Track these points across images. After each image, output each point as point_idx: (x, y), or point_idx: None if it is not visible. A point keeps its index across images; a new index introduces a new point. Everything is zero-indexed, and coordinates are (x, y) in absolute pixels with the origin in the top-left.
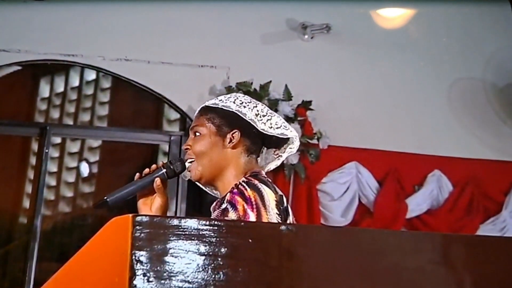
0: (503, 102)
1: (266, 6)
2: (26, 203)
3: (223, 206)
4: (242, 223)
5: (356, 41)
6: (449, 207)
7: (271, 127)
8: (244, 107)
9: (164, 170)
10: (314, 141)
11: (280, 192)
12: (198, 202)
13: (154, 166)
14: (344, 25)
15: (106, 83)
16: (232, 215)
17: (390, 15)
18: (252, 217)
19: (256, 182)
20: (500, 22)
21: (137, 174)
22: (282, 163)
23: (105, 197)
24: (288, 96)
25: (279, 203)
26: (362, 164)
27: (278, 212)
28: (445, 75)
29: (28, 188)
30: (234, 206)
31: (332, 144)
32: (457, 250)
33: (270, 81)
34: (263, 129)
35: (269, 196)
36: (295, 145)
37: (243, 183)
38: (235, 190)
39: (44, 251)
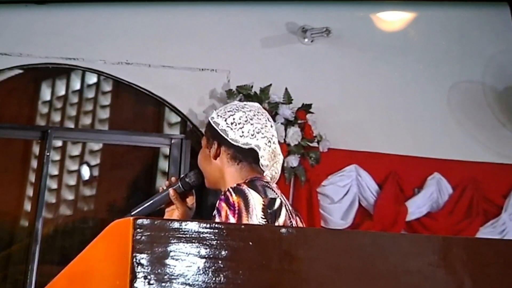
0: (502, 105)
1: (266, 10)
2: (28, 206)
3: (214, 212)
4: (243, 226)
5: (356, 44)
6: (449, 209)
7: (241, 136)
8: (221, 116)
9: (180, 183)
10: (314, 144)
11: (272, 196)
12: (199, 205)
13: (173, 178)
14: (344, 28)
15: (107, 87)
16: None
17: (390, 19)
18: (232, 222)
19: (244, 187)
20: (499, 26)
21: (161, 187)
22: (283, 166)
23: (130, 212)
24: (288, 99)
25: (266, 206)
26: (362, 167)
27: (263, 216)
28: (445, 78)
29: (29, 191)
30: (219, 212)
31: (332, 147)
32: (457, 253)
33: (270, 85)
34: (232, 139)
35: (255, 201)
36: (262, 158)
37: (230, 189)
38: (222, 197)
39: (45, 254)
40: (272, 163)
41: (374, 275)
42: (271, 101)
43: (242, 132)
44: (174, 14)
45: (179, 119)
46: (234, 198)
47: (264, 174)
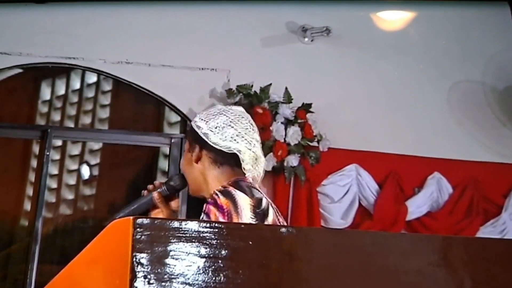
0: (503, 104)
1: (267, 9)
2: (27, 206)
3: (201, 216)
4: (243, 226)
5: (356, 44)
6: (449, 209)
7: (223, 139)
8: (202, 119)
9: (164, 186)
10: (314, 144)
11: (258, 196)
12: (198, 205)
13: (157, 182)
14: (344, 28)
15: (107, 86)
16: None
17: (390, 18)
18: None
19: (230, 189)
20: (499, 25)
21: (144, 190)
22: (282, 166)
23: (113, 216)
24: (288, 98)
25: (255, 206)
26: (362, 167)
27: (252, 216)
28: (445, 78)
29: (29, 191)
30: (208, 215)
31: (332, 146)
32: (457, 252)
33: (271, 84)
34: (214, 142)
35: (243, 202)
36: (244, 162)
37: (217, 192)
38: (210, 200)
39: (45, 253)
40: (254, 166)
41: (374, 274)
42: (271, 101)
43: (224, 135)
44: (174, 14)
45: (179, 118)
46: (222, 200)
47: (246, 175)
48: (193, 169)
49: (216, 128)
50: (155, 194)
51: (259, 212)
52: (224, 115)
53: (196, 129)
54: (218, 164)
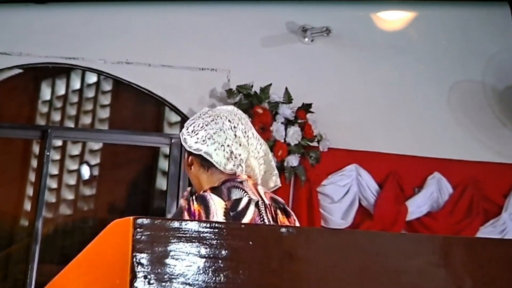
0: (503, 104)
1: (266, 9)
2: (27, 206)
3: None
4: (243, 226)
5: (356, 44)
6: (449, 209)
7: (196, 142)
8: (185, 126)
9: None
10: (315, 144)
11: (237, 197)
12: None
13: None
14: (344, 28)
15: (107, 86)
16: None
17: (390, 18)
18: None
19: (206, 194)
20: (499, 25)
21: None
22: (283, 166)
23: None
24: (288, 99)
25: (229, 209)
26: (362, 167)
27: (224, 218)
28: (445, 78)
29: (29, 191)
30: (180, 216)
31: (332, 146)
32: (457, 253)
33: (271, 84)
34: (190, 146)
35: (216, 206)
36: (217, 162)
37: (193, 198)
38: (185, 204)
39: (45, 253)
40: (237, 164)
41: (374, 274)
42: (271, 101)
43: (197, 138)
44: (174, 14)
45: (179, 118)
46: (195, 206)
47: (237, 174)
48: (190, 173)
49: (193, 132)
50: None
51: (233, 215)
52: (202, 118)
53: (180, 136)
54: (205, 167)
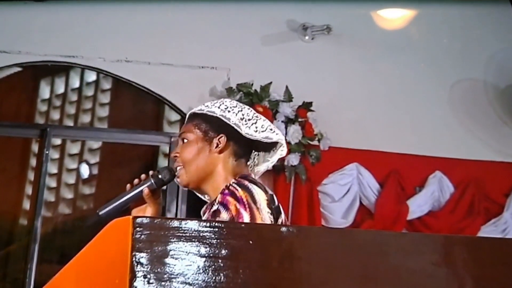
0: (504, 103)
1: (267, 7)
2: (27, 205)
3: (214, 208)
4: (243, 225)
5: (356, 42)
6: (450, 208)
7: (256, 130)
8: (229, 111)
9: (153, 180)
10: (315, 143)
11: (270, 192)
12: (198, 204)
13: (143, 175)
14: (345, 26)
15: (106, 85)
16: (224, 216)
17: (391, 16)
18: (245, 216)
19: (246, 183)
20: (500, 23)
21: (128, 185)
22: (283, 165)
23: (97, 211)
24: (288, 97)
25: (270, 202)
26: (363, 166)
27: (269, 211)
28: (446, 76)
29: (28, 190)
30: (226, 207)
31: (333, 145)
32: (459, 252)
33: (271, 82)
34: (247, 133)
35: (260, 196)
36: (284, 148)
37: (233, 184)
38: (226, 191)
39: (44, 252)
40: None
41: (375, 274)
42: (271, 99)
43: (256, 127)
44: (174, 12)
45: (178, 117)
46: (240, 192)
47: (255, 172)
48: (205, 159)
49: (249, 120)
50: (145, 190)
51: (274, 208)
52: (246, 108)
53: (225, 120)
54: (237, 156)
